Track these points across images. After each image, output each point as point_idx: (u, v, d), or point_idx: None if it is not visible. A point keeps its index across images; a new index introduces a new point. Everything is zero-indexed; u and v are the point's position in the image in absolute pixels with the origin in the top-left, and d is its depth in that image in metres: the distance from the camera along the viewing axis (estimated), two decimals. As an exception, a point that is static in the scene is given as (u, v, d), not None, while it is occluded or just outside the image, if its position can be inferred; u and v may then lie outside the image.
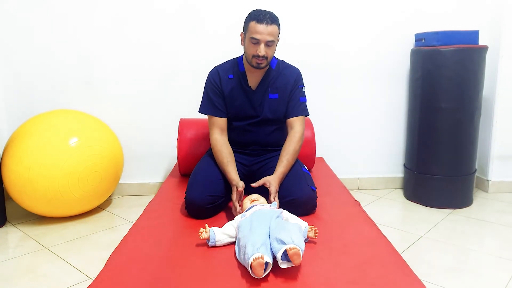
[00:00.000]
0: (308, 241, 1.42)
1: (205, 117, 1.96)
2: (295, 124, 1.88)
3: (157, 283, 1.19)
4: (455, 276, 1.76)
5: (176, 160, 2.77)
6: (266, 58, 1.75)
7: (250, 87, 1.89)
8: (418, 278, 1.20)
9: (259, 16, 1.70)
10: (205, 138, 2.26)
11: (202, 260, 1.32)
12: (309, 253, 1.34)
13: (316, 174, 2.35)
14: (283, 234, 1.21)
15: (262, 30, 1.69)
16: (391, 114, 2.90)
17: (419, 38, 2.63)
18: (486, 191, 2.89)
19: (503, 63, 2.73)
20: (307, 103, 1.97)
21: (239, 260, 1.27)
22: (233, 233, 1.41)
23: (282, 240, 1.19)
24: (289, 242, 1.17)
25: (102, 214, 2.54)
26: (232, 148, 1.87)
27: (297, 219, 1.49)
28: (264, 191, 1.70)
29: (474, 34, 2.46)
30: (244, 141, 1.95)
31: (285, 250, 1.16)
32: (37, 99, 2.69)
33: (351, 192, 2.15)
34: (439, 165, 2.57)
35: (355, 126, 2.91)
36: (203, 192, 1.67)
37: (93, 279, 1.40)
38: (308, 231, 1.41)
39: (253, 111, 1.90)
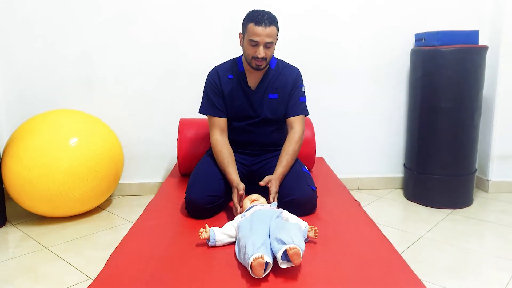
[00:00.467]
0: (308, 241, 1.42)
1: (205, 117, 1.96)
2: (295, 124, 1.88)
3: (157, 283, 1.19)
4: (455, 276, 1.76)
5: (176, 160, 2.77)
6: (265, 59, 1.75)
7: (249, 87, 1.88)
8: (418, 278, 1.20)
9: (257, 18, 1.69)
10: (205, 138, 2.26)
11: (202, 260, 1.32)
12: (309, 253, 1.34)
13: (316, 174, 2.35)
14: (283, 234, 1.21)
15: (260, 32, 1.69)
16: (391, 114, 2.90)
17: (419, 38, 2.63)
18: (486, 191, 2.89)
19: (503, 63, 2.73)
20: (307, 103, 1.96)
21: (239, 260, 1.27)
22: (233, 233, 1.41)
23: (282, 240, 1.19)
24: (289, 242, 1.17)
25: (102, 214, 2.54)
26: (232, 148, 1.87)
27: (297, 219, 1.49)
28: (264, 191, 1.70)
29: (474, 34, 2.46)
30: (244, 141, 1.95)
31: (285, 250, 1.16)
32: (37, 99, 2.69)
33: (351, 192, 2.14)
34: (439, 165, 2.57)
35: (355, 126, 2.91)
36: (203, 192, 1.67)
37: (93, 279, 1.40)
38: (308, 231, 1.41)
39: (252, 112, 1.90)
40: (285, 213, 1.49)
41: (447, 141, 2.53)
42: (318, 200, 1.74)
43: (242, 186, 1.66)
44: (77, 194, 2.27)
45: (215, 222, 1.58)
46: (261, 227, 1.29)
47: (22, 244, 2.10)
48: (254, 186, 1.73)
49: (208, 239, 1.39)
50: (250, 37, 1.71)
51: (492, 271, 1.79)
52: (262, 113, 1.89)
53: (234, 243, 1.39)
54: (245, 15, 1.77)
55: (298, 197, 1.68)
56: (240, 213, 1.56)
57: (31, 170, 2.15)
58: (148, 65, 2.72)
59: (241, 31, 1.80)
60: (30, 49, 2.65)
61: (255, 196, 1.62)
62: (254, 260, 1.14)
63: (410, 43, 2.79)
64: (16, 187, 2.21)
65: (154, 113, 2.78)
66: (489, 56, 2.65)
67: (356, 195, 2.82)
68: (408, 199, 2.76)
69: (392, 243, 1.45)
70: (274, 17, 1.74)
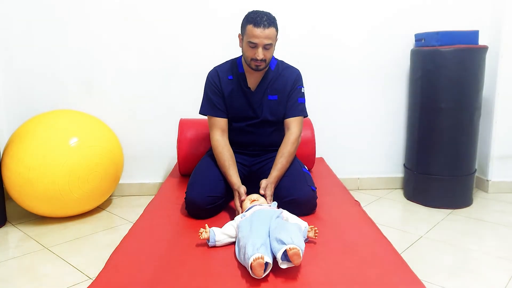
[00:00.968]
0: (308, 241, 1.42)
1: (205, 117, 1.96)
2: (292, 125, 1.87)
3: (157, 283, 1.19)
4: (455, 276, 1.76)
5: (176, 160, 2.77)
6: (265, 60, 1.75)
7: (249, 88, 1.88)
8: (418, 278, 1.20)
9: (255, 19, 1.68)
10: (205, 138, 2.26)
11: (202, 260, 1.32)
12: (309, 253, 1.34)
13: (316, 174, 2.35)
14: (283, 234, 1.21)
15: (259, 34, 1.68)
16: (391, 114, 2.90)
17: (419, 38, 2.63)
18: (486, 191, 2.89)
19: (503, 63, 2.73)
20: (307, 104, 1.96)
21: (239, 260, 1.27)
22: (233, 233, 1.41)
23: (282, 240, 1.19)
24: (289, 242, 1.17)
25: (102, 214, 2.54)
26: (232, 148, 1.87)
27: (297, 219, 1.49)
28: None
29: (474, 34, 2.46)
30: (243, 141, 1.95)
31: (285, 250, 1.16)
32: (37, 99, 2.69)
33: (351, 192, 2.15)
34: (439, 165, 2.57)
35: (355, 126, 2.91)
36: (203, 193, 1.67)
37: (93, 279, 1.40)
38: (308, 231, 1.41)
39: (252, 112, 1.90)
40: (285, 213, 1.49)
41: (447, 141, 2.53)
42: (318, 200, 1.74)
43: (243, 189, 1.66)
44: (77, 194, 2.27)
45: (215, 222, 1.58)
46: (261, 227, 1.29)
47: (22, 244, 2.10)
48: (254, 186, 1.73)
49: (208, 239, 1.38)
50: (249, 38, 1.71)
51: (492, 271, 1.79)
52: (262, 115, 1.89)
53: (234, 243, 1.39)
54: (244, 17, 1.76)
55: (298, 197, 1.68)
56: (240, 213, 1.56)
57: (31, 170, 2.15)
58: (148, 65, 2.72)
59: (240, 32, 1.80)
60: (30, 49, 2.65)
61: (255, 196, 1.62)
62: (254, 260, 1.14)
63: (410, 43, 2.79)
64: (16, 187, 2.21)
65: (154, 113, 2.78)
66: (489, 56, 2.65)
67: (356, 195, 2.82)
68: (408, 199, 2.76)
69: (392, 243, 1.45)
70: (273, 18, 1.73)
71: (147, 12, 2.66)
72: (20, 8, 2.60)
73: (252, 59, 1.75)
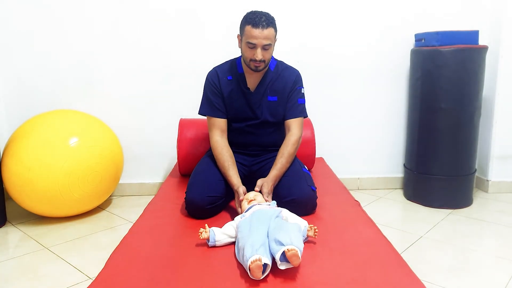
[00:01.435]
0: (307, 240, 1.42)
1: (205, 117, 1.96)
2: (292, 126, 1.87)
3: (157, 283, 1.19)
4: (455, 276, 1.76)
5: (176, 160, 2.77)
6: (264, 61, 1.74)
7: (248, 88, 1.88)
8: (418, 278, 1.20)
9: (254, 20, 1.67)
10: (205, 138, 2.26)
11: (202, 260, 1.32)
12: (309, 253, 1.34)
13: (316, 174, 2.35)
14: (282, 235, 1.21)
15: (258, 34, 1.67)
16: (391, 114, 2.90)
17: (419, 38, 2.63)
18: (486, 191, 2.89)
19: (503, 63, 2.73)
20: (307, 104, 1.96)
21: (239, 260, 1.27)
22: (233, 233, 1.40)
23: (280, 241, 1.18)
24: (288, 243, 1.17)
25: (102, 214, 2.54)
26: (232, 149, 1.87)
27: (297, 218, 1.48)
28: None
29: (474, 34, 2.46)
30: (243, 142, 1.95)
31: (284, 251, 1.16)
32: (37, 99, 2.69)
33: (351, 192, 2.15)
34: (439, 165, 2.57)
35: (355, 126, 2.91)
36: (203, 193, 1.67)
37: (93, 279, 1.40)
38: (308, 230, 1.41)
39: (251, 113, 1.90)
40: (285, 212, 1.49)
41: (447, 141, 2.53)
42: (318, 200, 1.75)
43: (242, 189, 1.66)
44: (77, 194, 2.27)
45: (215, 222, 1.58)
46: (260, 228, 1.29)
47: (22, 244, 2.10)
48: (254, 186, 1.73)
49: (208, 239, 1.39)
50: (247, 39, 1.70)
51: (492, 271, 1.79)
52: (262, 116, 1.89)
53: (234, 243, 1.39)
54: (242, 17, 1.76)
55: (298, 197, 1.68)
56: (240, 213, 1.56)
57: (31, 170, 2.15)
58: (148, 65, 2.72)
59: (239, 33, 1.80)
60: (30, 50, 2.65)
61: (251, 195, 1.60)
62: (252, 262, 1.14)
63: (410, 43, 2.79)
64: (16, 187, 2.21)
65: (154, 113, 2.78)
66: (489, 56, 2.65)
67: (356, 195, 2.82)
68: (408, 199, 2.76)
69: (392, 243, 1.45)
70: (272, 18, 1.72)
71: (147, 12, 2.66)
72: (20, 8, 2.60)
73: (251, 60, 1.74)
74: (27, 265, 1.88)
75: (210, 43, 2.71)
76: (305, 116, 1.93)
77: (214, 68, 1.93)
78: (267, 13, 1.73)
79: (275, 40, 1.78)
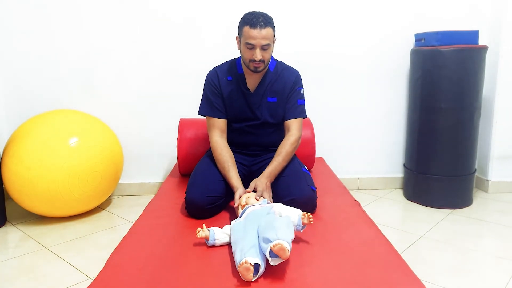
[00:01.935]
0: (305, 228, 1.42)
1: (205, 117, 1.96)
2: (292, 126, 1.88)
3: (157, 283, 1.19)
4: (455, 276, 1.76)
5: (176, 160, 2.77)
6: (263, 61, 1.74)
7: (248, 89, 1.88)
8: (418, 278, 1.20)
9: (252, 20, 1.67)
10: (205, 138, 2.26)
11: (202, 260, 1.32)
12: (309, 253, 1.34)
13: (316, 174, 2.35)
14: (269, 232, 1.21)
15: (256, 34, 1.67)
16: (391, 114, 2.90)
17: (419, 38, 2.63)
18: (486, 191, 2.89)
19: (503, 63, 2.73)
20: (307, 104, 1.96)
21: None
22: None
23: (268, 239, 1.19)
24: (274, 238, 1.17)
25: (102, 214, 2.54)
26: (232, 149, 1.87)
27: (290, 209, 1.47)
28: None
29: (474, 34, 2.46)
30: (243, 142, 1.95)
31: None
32: (37, 99, 2.69)
33: (351, 192, 2.15)
34: (439, 165, 2.57)
35: (355, 126, 2.91)
36: (203, 193, 1.67)
37: (93, 279, 1.40)
38: (302, 218, 1.41)
39: (251, 114, 1.90)
40: (277, 206, 1.48)
41: (447, 141, 2.53)
42: (318, 200, 1.75)
43: (238, 195, 1.65)
44: (77, 194, 2.27)
45: (215, 222, 1.59)
46: (252, 230, 1.30)
47: (22, 244, 2.10)
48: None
49: (206, 239, 1.39)
50: (246, 40, 1.70)
51: (492, 271, 1.79)
52: (262, 117, 1.89)
53: (233, 243, 1.40)
54: (240, 18, 1.76)
55: (298, 197, 1.68)
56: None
57: (31, 170, 2.15)
58: (148, 65, 2.72)
59: (237, 34, 1.80)
60: (30, 49, 2.65)
61: (243, 200, 1.58)
62: (239, 266, 1.15)
63: (410, 43, 2.79)
64: (16, 187, 2.21)
65: (154, 113, 2.78)
66: (489, 56, 2.65)
67: (356, 195, 2.82)
68: (408, 199, 2.76)
69: (392, 243, 1.45)
70: (270, 18, 1.72)
71: (147, 12, 2.66)
72: (20, 8, 2.60)
73: (250, 61, 1.74)
74: (27, 265, 1.88)
75: (211, 42, 2.71)
76: (305, 116, 1.93)
77: (214, 68, 1.93)
78: (265, 13, 1.72)
79: (274, 40, 1.77)
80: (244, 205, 1.55)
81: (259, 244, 1.23)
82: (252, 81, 1.88)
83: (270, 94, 1.88)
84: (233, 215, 1.65)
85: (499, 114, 2.78)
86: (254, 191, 1.68)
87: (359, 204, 1.86)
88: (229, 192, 1.75)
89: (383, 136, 2.93)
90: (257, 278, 1.17)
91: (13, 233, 2.26)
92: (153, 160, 2.85)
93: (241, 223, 1.39)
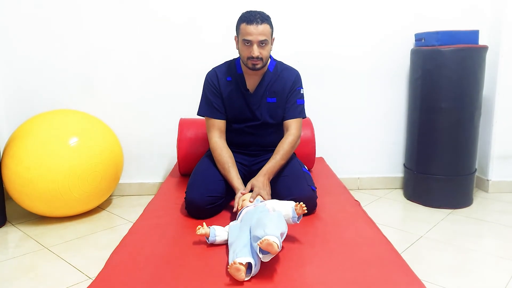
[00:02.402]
0: (301, 218, 1.43)
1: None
2: (291, 126, 1.88)
3: (157, 283, 1.19)
4: (455, 276, 1.76)
5: (176, 160, 2.77)
6: (261, 59, 1.74)
7: (247, 90, 1.88)
8: (418, 278, 1.20)
9: (249, 17, 1.69)
10: (205, 138, 2.26)
11: (202, 260, 1.32)
12: (309, 253, 1.34)
13: (316, 174, 2.35)
14: (258, 230, 1.21)
15: (252, 30, 1.68)
16: (391, 114, 2.90)
17: (419, 38, 2.63)
18: (486, 191, 2.89)
19: (503, 63, 2.73)
20: (307, 104, 1.96)
21: None
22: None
23: (257, 236, 1.19)
24: (262, 235, 1.17)
25: (102, 214, 2.54)
26: (232, 149, 1.87)
27: (283, 204, 1.46)
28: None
29: (474, 34, 2.46)
30: (243, 142, 1.94)
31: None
32: (37, 99, 2.69)
33: (351, 192, 2.15)
34: (439, 165, 2.57)
35: (355, 126, 2.91)
36: (203, 193, 1.67)
37: (93, 279, 1.40)
38: (296, 210, 1.41)
39: (251, 114, 1.89)
40: (270, 203, 1.48)
41: (447, 141, 2.53)
42: (318, 200, 1.75)
43: (237, 198, 1.65)
44: (77, 194, 2.27)
45: (215, 222, 1.58)
46: (245, 230, 1.31)
47: (22, 244, 2.10)
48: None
49: (206, 236, 1.39)
50: (243, 37, 1.71)
51: (492, 271, 1.79)
52: (262, 117, 1.89)
53: (233, 242, 1.40)
54: (238, 18, 1.76)
55: (298, 197, 1.67)
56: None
57: (31, 170, 2.15)
58: (148, 65, 2.72)
59: (235, 34, 1.80)
60: (30, 49, 2.65)
61: (240, 203, 1.59)
62: (229, 268, 1.16)
63: (410, 43, 2.79)
64: (16, 187, 2.21)
65: (154, 113, 2.78)
66: (489, 56, 2.65)
67: (356, 195, 2.82)
68: (408, 199, 2.76)
69: (392, 243, 1.45)
70: (267, 15, 1.73)
71: (147, 12, 2.66)
72: (21, 9, 2.60)
73: (248, 58, 1.74)
74: (27, 265, 1.88)
75: (211, 42, 2.71)
76: (304, 116, 1.93)
77: (213, 69, 1.93)
78: (262, 12, 1.74)
79: (273, 39, 1.78)
80: (241, 208, 1.56)
81: (251, 243, 1.23)
82: (251, 82, 1.88)
83: (269, 94, 1.88)
84: (233, 214, 1.65)
85: (499, 114, 2.78)
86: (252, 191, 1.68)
87: (359, 204, 1.86)
88: (229, 192, 1.75)
89: (383, 136, 2.93)
90: (251, 276, 1.18)
91: (13, 233, 2.26)
92: (153, 160, 2.85)
93: (237, 225, 1.40)
